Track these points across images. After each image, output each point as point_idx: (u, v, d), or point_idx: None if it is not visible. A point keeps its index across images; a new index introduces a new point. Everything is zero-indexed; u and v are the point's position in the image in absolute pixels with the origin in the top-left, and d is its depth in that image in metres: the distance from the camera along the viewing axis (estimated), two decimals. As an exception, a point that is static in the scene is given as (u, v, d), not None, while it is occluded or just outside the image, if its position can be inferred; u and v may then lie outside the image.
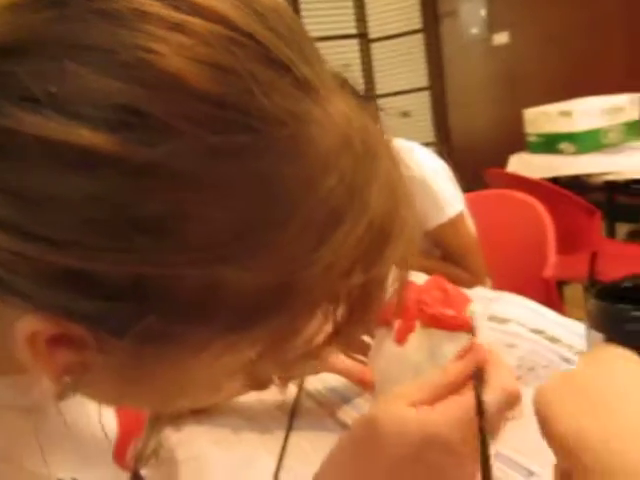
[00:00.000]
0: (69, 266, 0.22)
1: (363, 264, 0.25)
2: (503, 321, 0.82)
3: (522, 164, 2.31)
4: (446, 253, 1.37)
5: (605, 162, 2.03)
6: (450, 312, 0.52)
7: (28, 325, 0.24)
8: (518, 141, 2.41)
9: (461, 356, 0.42)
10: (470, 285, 1.06)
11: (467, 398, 0.39)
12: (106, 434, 0.44)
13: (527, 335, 0.76)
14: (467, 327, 0.52)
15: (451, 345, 0.44)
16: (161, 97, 0.22)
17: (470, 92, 4.16)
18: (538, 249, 1.43)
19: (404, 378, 0.56)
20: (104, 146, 0.21)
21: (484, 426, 0.37)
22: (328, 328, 0.28)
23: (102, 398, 0.32)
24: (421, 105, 4.42)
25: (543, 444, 0.53)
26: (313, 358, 0.29)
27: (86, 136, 0.21)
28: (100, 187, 0.22)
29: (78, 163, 0.22)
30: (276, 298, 0.25)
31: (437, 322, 0.53)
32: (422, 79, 4.52)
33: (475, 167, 2.02)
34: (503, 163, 2.38)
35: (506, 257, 1.49)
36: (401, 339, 0.55)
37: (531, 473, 0.50)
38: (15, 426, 0.36)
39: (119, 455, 0.46)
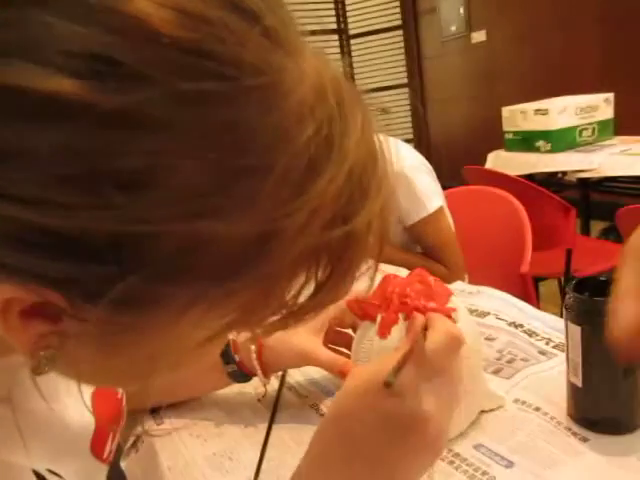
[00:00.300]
0: (41, 226, 0.22)
1: (343, 216, 0.25)
2: (482, 314, 0.83)
3: (499, 161, 2.34)
4: (425, 248, 1.39)
5: (580, 160, 2.07)
6: (432, 304, 0.53)
7: (0, 292, 0.23)
8: (496, 138, 2.44)
9: (413, 316, 0.45)
10: (449, 280, 1.07)
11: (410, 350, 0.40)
12: (83, 426, 0.43)
13: (506, 328, 0.77)
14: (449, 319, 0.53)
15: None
16: (130, 43, 0.21)
17: (449, 89, 4.20)
18: (515, 245, 1.45)
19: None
20: (72, 93, 0.20)
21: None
22: (309, 289, 0.27)
23: (79, 374, 0.30)
24: (400, 102, 4.45)
25: (521, 435, 0.54)
26: (294, 322, 0.29)
27: (53, 83, 0.20)
28: (70, 139, 0.21)
29: (46, 113, 0.21)
30: (257, 252, 0.24)
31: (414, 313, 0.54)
32: (401, 75, 4.55)
33: (453, 164, 2.04)
34: (481, 160, 2.41)
35: (484, 253, 1.51)
36: (384, 332, 0.56)
37: (511, 463, 0.51)
38: None
39: (97, 447, 0.45)
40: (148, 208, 0.22)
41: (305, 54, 0.25)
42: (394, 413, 0.38)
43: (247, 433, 0.62)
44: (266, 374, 0.64)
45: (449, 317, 0.52)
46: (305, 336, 0.64)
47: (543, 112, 2.16)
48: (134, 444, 0.64)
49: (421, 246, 1.40)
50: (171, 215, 0.22)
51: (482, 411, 0.59)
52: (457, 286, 0.99)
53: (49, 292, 0.23)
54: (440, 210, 1.34)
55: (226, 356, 0.64)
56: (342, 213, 0.25)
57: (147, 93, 0.21)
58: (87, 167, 0.21)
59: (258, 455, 0.54)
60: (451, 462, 0.53)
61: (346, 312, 0.65)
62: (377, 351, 0.57)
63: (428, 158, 1.42)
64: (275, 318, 0.28)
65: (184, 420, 0.65)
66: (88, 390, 0.45)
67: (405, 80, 4.50)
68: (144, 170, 0.22)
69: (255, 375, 0.65)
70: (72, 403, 0.42)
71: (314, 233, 0.25)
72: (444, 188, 1.45)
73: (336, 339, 0.67)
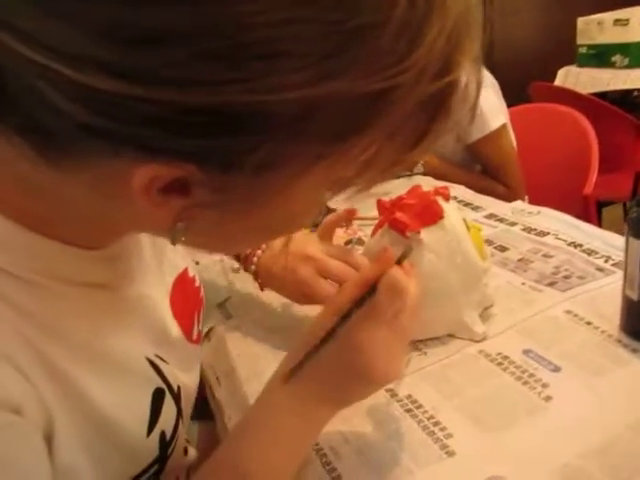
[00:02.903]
0: (186, 106, 0.24)
1: (447, 66, 0.27)
2: (541, 234, 0.83)
3: (570, 78, 2.21)
4: (485, 167, 1.36)
5: (660, 77, 1.93)
6: (403, 218, 0.58)
7: (145, 173, 0.26)
8: (567, 54, 2.29)
9: (374, 260, 0.46)
10: (508, 199, 1.06)
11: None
12: (170, 315, 0.48)
13: (565, 247, 0.78)
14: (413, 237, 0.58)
15: (395, 247, 0.48)
16: None
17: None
18: (580, 166, 1.40)
19: None
20: None
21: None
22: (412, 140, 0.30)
23: (206, 242, 0.35)
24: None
25: (570, 344, 0.56)
26: (399, 169, 0.32)
27: None
28: (212, 15, 0.23)
29: None
30: (377, 107, 0.26)
31: (393, 224, 0.60)
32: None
33: (519, 81, 1.94)
34: (550, 77, 2.28)
35: (546, 173, 1.47)
36: (373, 233, 0.64)
37: (558, 368, 0.54)
38: (99, 303, 0.39)
39: (187, 331, 0.50)
40: (283, 76, 0.24)
41: None
42: (342, 360, 0.42)
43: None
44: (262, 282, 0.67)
45: (403, 229, 0.58)
46: (306, 240, 0.65)
47: (623, 22, 2.00)
48: (207, 335, 0.70)
49: (481, 164, 1.38)
50: (302, 80, 0.24)
51: (532, 318, 0.61)
52: (517, 205, 0.99)
53: (190, 167, 0.26)
54: (503, 128, 1.30)
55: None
56: (446, 64, 0.27)
57: None
58: (229, 41, 0.23)
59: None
60: (499, 364, 0.56)
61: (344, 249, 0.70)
62: (366, 250, 0.66)
63: (493, 75, 1.36)
64: (385, 167, 0.31)
65: (249, 315, 0.71)
66: (169, 281, 0.50)
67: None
68: (279, 39, 0.23)
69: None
70: (157, 294, 0.47)
71: (424, 86, 0.26)
72: (508, 106, 1.40)
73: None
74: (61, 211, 0.33)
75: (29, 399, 0.32)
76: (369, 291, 0.42)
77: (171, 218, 0.29)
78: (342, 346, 0.42)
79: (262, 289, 0.68)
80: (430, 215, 0.59)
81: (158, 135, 0.25)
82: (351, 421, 0.51)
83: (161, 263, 0.49)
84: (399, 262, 0.44)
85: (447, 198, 0.62)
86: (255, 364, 0.63)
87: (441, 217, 0.59)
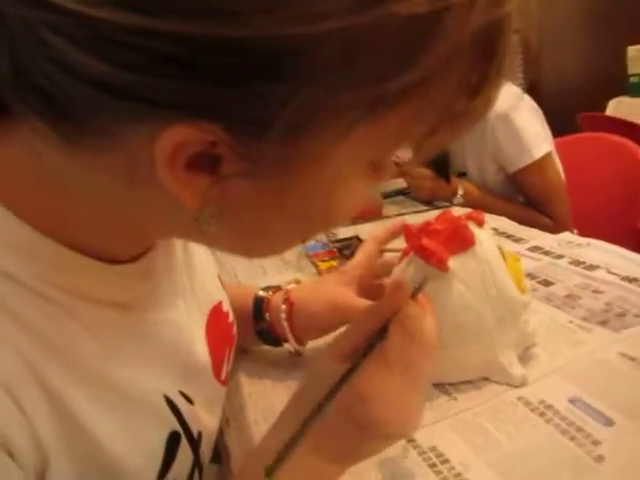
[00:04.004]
0: (211, 40, 0.21)
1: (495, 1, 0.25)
2: (591, 268, 0.76)
3: (622, 109, 2.12)
4: (530, 198, 1.29)
5: None
6: (430, 245, 0.53)
7: (168, 139, 0.24)
8: (617, 84, 2.20)
9: (387, 295, 0.40)
10: (554, 232, 0.99)
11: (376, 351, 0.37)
12: (203, 351, 0.43)
13: (617, 282, 0.70)
14: (441, 265, 0.52)
15: (419, 275, 0.45)
16: None
17: (563, 30, 3.82)
18: (632, 198, 1.31)
19: None
20: None
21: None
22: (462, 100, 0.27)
23: (240, 233, 0.31)
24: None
25: (625, 392, 0.49)
26: (451, 133, 0.29)
27: None
28: None
29: None
30: (425, 37, 0.23)
31: (419, 251, 0.54)
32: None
33: (567, 113, 1.86)
34: (598, 108, 2.19)
35: (595, 205, 1.38)
36: (399, 260, 0.58)
37: (611, 421, 0.46)
38: (116, 325, 0.35)
39: (216, 370, 0.45)
40: (318, 3, 0.21)
41: None
42: (351, 413, 0.36)
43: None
44: (298, 338, 0.60)
45: (441, 263, 0.52)
46: (336, 289, 0.60)
47: (677, 51, 1.91)
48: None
49: (525, 196, 1.30)
50: (340, 7, 0.21)
51: (577, 362, 0.54)
52: (564, 237, 0.92)
53: (215, 128, 0.23)
54: (548, 157, 1.23)
55: (257, 310, 0.61)
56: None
57: None
58: None
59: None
60: (541, 414, 0.48)
61: (379, 263, 0.64)
62: (393, 277, 0.59)
63: (540, 105, 1.30)
64: (432, 125, 0.28)
65: (267, 350, 0.65)
66: (203, 315, 0.45)
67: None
68: None
69: (286, 341, 0.61)
70: (187, 329, 0.42)
71: (477, 14, 0.24)
72: (556, 137, 1.33)
73: (371, 291, 0.62)
74: (83, 211, 0.31)
75: (20, 434, 0.27)
76: (379, 334, 0.37)
77: (198, 200, 0.26)
78: (350, 397, 0.36)
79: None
80: (460, 241, 0.53)
81: (178, 85, 0.22)
82: (361, 474, 0.44)
83: (195, 290, 0.45)
84: (414, 295, 0.38)
85: (481, 223, 0.56)
86: (266, 405, 0.57)
87: (472, 244, 0.53)
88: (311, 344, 0.63)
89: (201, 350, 0.43)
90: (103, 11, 0.21)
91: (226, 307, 0.51)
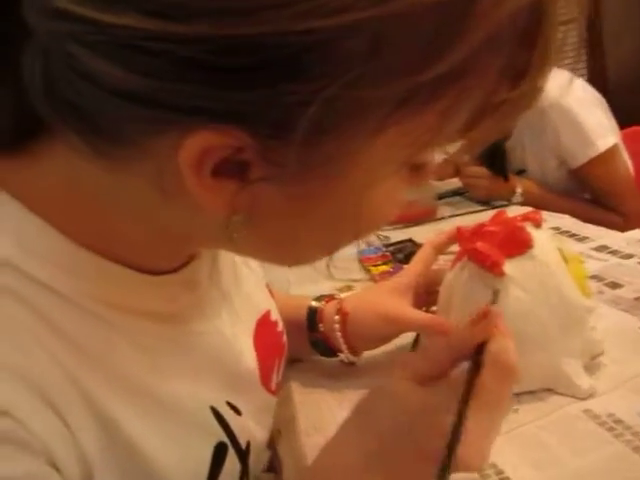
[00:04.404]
0: (229, 41, 0.21)
1: None
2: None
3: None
4: (595, 194, 1.22)
5: None
6: (485, 249, 0.50)
7: (193, 145, 0.23)
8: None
9: (474, 322, 0.37)
10: (623, 229, 0.93)
11: (461, 383, 0.34)
12: (251, 359, 0.43)
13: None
14: (496, 270, 0.49)
15: (476, 283, 0.44)
16: None
17: (629, 19, 3.63)
18: None
19: (444, 303, 0.56)
20: None
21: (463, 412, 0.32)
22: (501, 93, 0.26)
23: (276, 248, 0.31)
24: (571, 37, 3.97)
25: None
26: (497, 122, 0.27)
27: None
28: None
29: None
30: (460, 21, 0.22)
31: (473, 255, 0.52)
32: (569, 10, 4.05)
33: (633, 104, 1.76)
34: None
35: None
36: (452, 265, 0.56)
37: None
38: (160, 337, 0.35)
39: (265, 380, 0.45)
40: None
41: None
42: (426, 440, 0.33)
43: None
44: (352, 348, 0.58)
45: (496, 267, 0.49)
46: (390, 299, 0.58)
47: None
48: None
49: (590, 192, 1.24)
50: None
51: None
52: (633, 235, 0.86)
53: (239, 133, 0.23)
54: (613, 149, 1.16)
55: (311, 322, 0.60)
56: None
57: None
58: None
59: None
60: (610, 428, 0.45)
61: (435, 272, 0.61)
62: (445, 284, 0.56)
63: (604, 97, 1.23)
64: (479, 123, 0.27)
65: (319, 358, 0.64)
66: (250, 324, 0.45)
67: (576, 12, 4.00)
68: None
69: (340, 352, 0.59)
70: (238, 337, 0.42)
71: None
72: (622, 129, 1.26)
73: (428, 301, 0.60)
74: (121, 223, 0.31)
75: (65, 448, 0.27)
76: (474, 368, 0.34)
77: (227, 208, 0.26)
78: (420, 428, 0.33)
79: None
80: (516, 244, 0.50)
81: (201, 89, 0.22)
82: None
83: (242, 299, 0.45)
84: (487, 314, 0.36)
85: (538, 224, 0.53)
86: (317, 415, 0.56)
87: (529, 246, 0.50)
88: (365, 354, 0.61)
89: (249, 359, 0.43)
90: (125, 18, 0.21)
91: (274, 316, 0.50)
